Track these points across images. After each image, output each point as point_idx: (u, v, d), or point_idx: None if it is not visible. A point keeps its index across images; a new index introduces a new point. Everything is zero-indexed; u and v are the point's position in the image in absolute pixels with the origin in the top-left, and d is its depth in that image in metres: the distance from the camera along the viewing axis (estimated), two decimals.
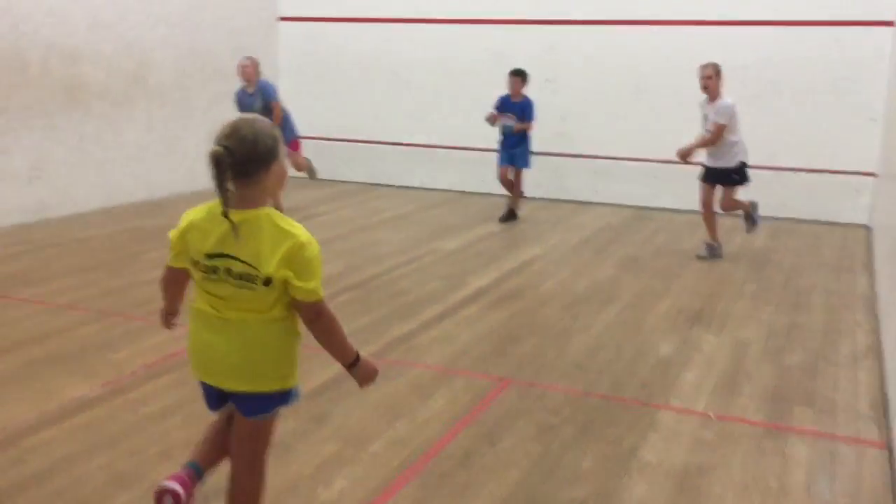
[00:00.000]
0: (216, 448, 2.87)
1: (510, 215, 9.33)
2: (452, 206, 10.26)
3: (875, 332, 5.72)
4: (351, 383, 4.56)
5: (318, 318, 2.61)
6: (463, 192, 11.08)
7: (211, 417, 2.92)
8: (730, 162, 7.48)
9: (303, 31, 11.86)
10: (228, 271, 2.51)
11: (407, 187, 11.39)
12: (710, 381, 4.80)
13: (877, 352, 5.33)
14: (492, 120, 9.06)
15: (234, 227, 2.44)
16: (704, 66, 7.42)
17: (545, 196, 10.71)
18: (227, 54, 10.72)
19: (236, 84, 9.03)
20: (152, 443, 3.84)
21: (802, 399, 4.58)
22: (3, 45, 8.17)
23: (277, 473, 3.59)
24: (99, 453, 3.74)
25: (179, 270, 2.70)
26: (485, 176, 10.63)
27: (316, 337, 2.68)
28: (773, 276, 7.19)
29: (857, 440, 4.10)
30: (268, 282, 2.48)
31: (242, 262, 2.48)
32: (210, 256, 2.52)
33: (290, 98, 9.70)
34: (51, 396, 4.33)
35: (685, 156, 7.55)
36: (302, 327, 2.68)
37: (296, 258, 2.47)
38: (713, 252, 7.74)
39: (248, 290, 2.51)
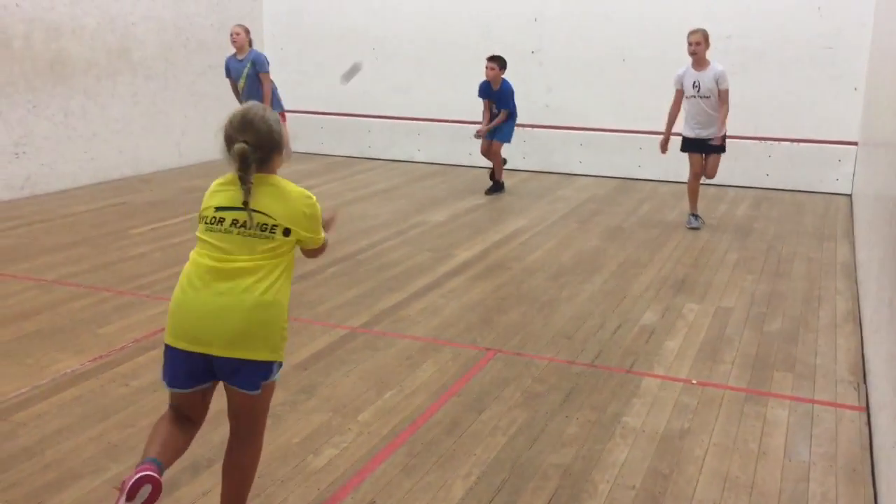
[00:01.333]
0: (169, 448, 2.70)
1: (496, 187, 9.36)
2: (439, 178, 10.29)
3: (854, 298, 5.82)
4: (339, 354, 4.65)
5: (323, 250, 3.00)
6: (449, 165, 11.11)
7: None
8: (722, 129, 7.57)
9: (287, 4, 11.78)
10: (238, 223, 2.68)
11: (393, 160, 11.40)
12: (692, 348, 4.88)
13: (856, 318, 5.43)
14: (481, 135, 9.16)
15: (247, 205, 2.69)
16: (693, 32, 7.47)
17: (531, 168, 10.74)
18: (211, 27, 10.67)
19: (221, 56, 8.99)
20: (143, 415, 3.90)
21: (783, 365, 4.67)
22: None
23: (267, 443, 3.64)
24: (90, 426, 3.79)
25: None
26: (471, 149, 10.65)
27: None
28: (755, 244, 7.28)
29: (835, 404, 4.20)
30: (287, 232, 2.72)
31: (264, 213, 2.69)
32: (219, 209, 2.71)
33: (274, 71, 9.62)
34: (42, 371, 4.38)
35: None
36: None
37: (312, 214, 2.79)
38: (700, 220, 7.86)
39: (264, 240, 2.68)
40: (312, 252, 2.95)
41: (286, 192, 2.76)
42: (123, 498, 2.44)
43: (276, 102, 8.82)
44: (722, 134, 7.58)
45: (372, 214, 8.22)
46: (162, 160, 10.25)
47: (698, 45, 7.43)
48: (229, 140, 2.69)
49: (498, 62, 8.99)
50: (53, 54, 8.83)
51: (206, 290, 2.65)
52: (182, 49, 10.49)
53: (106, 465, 3.46)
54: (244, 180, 2.66)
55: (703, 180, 7.92)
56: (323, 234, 2.89)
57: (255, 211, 2.68)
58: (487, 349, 4.81)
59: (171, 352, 2.71)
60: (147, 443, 2.72)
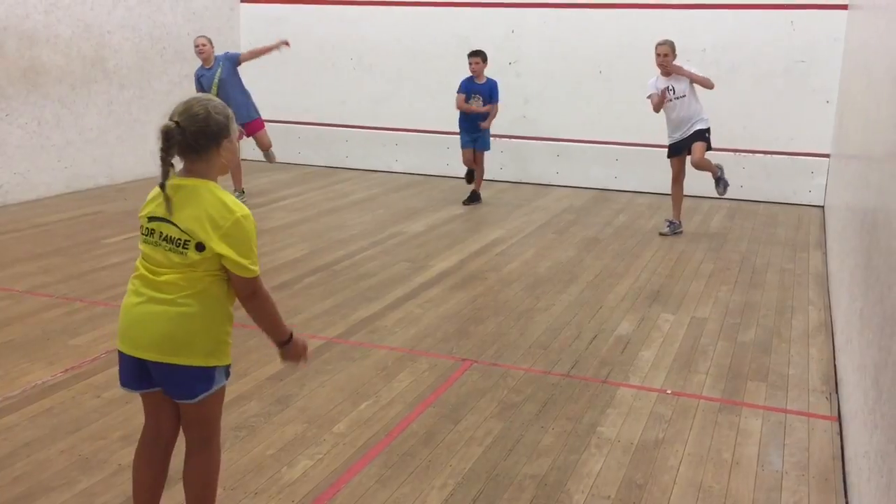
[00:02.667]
0: (155, 490, 2.83)
1: (473, 197, 9.38)
2: (416, 189, 10.29)
3: (827, 308, 5.88)
4: (315, 365, 4.62)
5: (254, 296, 2.66)
6: (427, 175, 11.12)
7: None
8: (704, 122, 7.75)
9: (264, 14, 11.76)
10: (163, 236, 2.58)
11: (371, 170, 11.39)
12: (667, 358, 4.91)
13: (828, 328, 5.49)
14: (465, 107, 9.07)
15: (167, 199, 2.56)
16: (661, 44, 7.62)
17: (508, 178, 10.77)
18: (187, 36, 10.60)
19: (198, 65, 8.96)
20: (115, 427, 3.86)
21: (756, 375, 4.71)
22: None
23: (241, 455, 3.63)
24: (61, 438, 3.74)
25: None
26: (449, 159, 10.68)
27: (250, 314, 2.72)
28: (729, 255, 7.34)
29: (807, 413, 4.23)
30: (200, 247, 2.54)
31: (177, 226, 2.56)
32: (150, 219, 2.62)
33: (252, 81, 9.61)
34: (13, 382, 4.32)
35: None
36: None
37: (235, 233, 2.55)
38: (675, 229, 7.96)
39: (179, 255, 2.56)
40: (243, 287, 2.61)
41: (206, 199, 2.56)
42: None
43: (251, 108, 8.92)
44: (700, 128, 7.72)
45: (349, 224, 8.21)
46: (137, 169, 10.16)
47: (665, 56, 7.61)
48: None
49: (481, 56, 9.03)
50: (27, 62, 8.75)
51: (138, 297, 2.64)
52: (158, 58, 10.43)
53: (77, 478, 3.41)
54: (163, 160, 2.51)
55: (687, 177, 8.05)
56: (253, 266, 2.58)
57: (166, 221, 2.56)
58: (464, 359, 4.81)
59: (119, 353, 2.73)
60: (133, 490, 2.83)
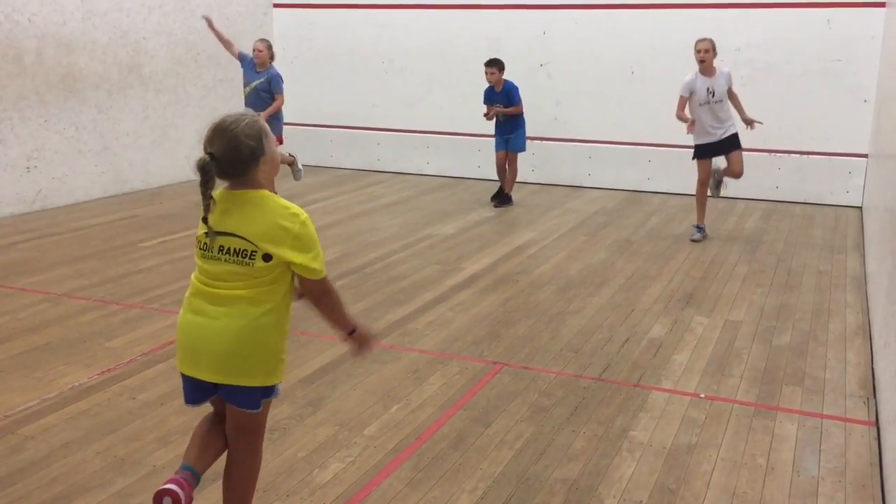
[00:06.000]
0: (208, 451, 2.84)
1: (505, 200, 9.37)
2: (448, 191, 10.30)
3: (864, 312, 5.78)
4: (346, 368, 4.65)
5: (326, 294, 2.72)
6: (458, 178, 11.12)
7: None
8: (735, 127, 7.68)
9: (297, 18, 11.85)
10: (224, 249, 2.57)
11: (403, 173, 11.42)
12: (701, 362, 4.86)
13: (866, 331, 5.39)
14: (490, 114, 9.12)
15: (225, 211, 2.56)
16: (702, 41, 7.53)
17: (539, 181, 10.74)
18: None
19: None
20: (150, 429, 3.91)
21: (792, 379, 4.64)
22: None
23: (273, 457, 3.66)
24: (97, 440, 3.80)
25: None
26: (480, 161, 10.67)
27: (321, 311, 2.77)
28: (765, 257, 7.25)
29: (844, 419, 4.16)
30: (267, 257, 2.54)
31: (240, 237, 2.55)
32: (208, 234, 2.60)
33: (284, 85, 9.69)
34: (50, 384, 4.39)
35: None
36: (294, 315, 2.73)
37: (303, 238, 2.57)
38: (704, 233, 7.87)
39: (243, 266, 2.56)
40: (314, 288, 2.67)
41: (266, 207, 2.57)
42: None
43: (276, 123, 8.87)
44: (734, 131, 7.65)
45: (380, 227, 8.24)
46: (172, 174, 10.29)
47: (707, 52, 7.47)
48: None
49: (497, 65, 9.04)
50: (65, 69, 8.91)
51: (197, 316, 2.65)
52: (192, 63, 10.56)
53: (112, 479, 3.46)
54: (203, 194, 2.52)
55: (725, 186, 7.96)
56: (322, 267, 2.63)
57: (228, 234, 2.56)
58: (494, 363, 4.80)
59: (181, 373, 2.76)
60: (188, 445, 2.82)
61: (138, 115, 9.88)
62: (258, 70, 8.66)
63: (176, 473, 2.70)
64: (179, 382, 4.43)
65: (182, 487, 2.63)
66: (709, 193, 7.95)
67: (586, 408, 4.22)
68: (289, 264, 2.58)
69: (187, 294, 2.72)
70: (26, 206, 8.60)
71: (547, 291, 6.20)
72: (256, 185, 2.61)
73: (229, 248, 2.56)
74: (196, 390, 2.74)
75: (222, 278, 2.60)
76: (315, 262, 2.60)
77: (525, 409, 4.19)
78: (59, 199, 8.94)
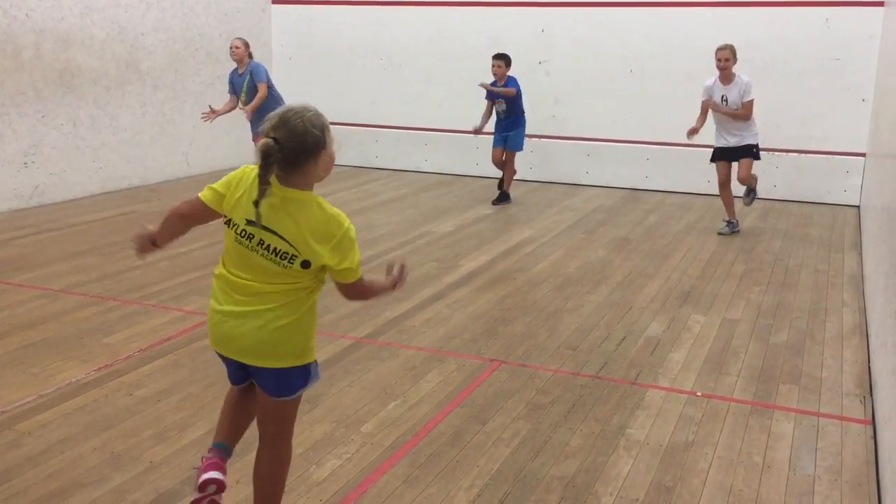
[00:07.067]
0: (237, 424, 2.93)
1: (503, 197, 9.37)
2: (446, 189, 10.30)
3: (862, 311, 5.79)
4: (343, 364, 4.65)
5: (363, 293, 2.83)
6: (456, 175, 11.12)
7: (212, 395, 2.96)
8: (755, 137, 7.72)
9: (296, 15, 11.84)
10: (264, 244, 2.55)
11: (401, 170, 11.42)
12: (698, 360, 4.87)
13: (863, 330, 5.40)
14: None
15: (258, 215, 2.50)
16: (722, 49, 7.59)
17: (537, 178, 10.74)
18: (220, 38, 10.72)
19: (230, 66, 9.03)
20: (147, 425, 3.90)
21: (788, 377, 4.65)
22: None
23: None
24: (94, 436, 3.80)
25: (204, 207, 2.66)
26: (478, 159, 10.67)
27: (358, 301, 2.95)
28: (762, 256, 7.26)
29: (841, 417, 4.17)
30: (306, 264, 2.55)
31: (283, 239, 2.54)
32: (250, 223, 2.55)
33: (283, 82, 9.69)
34: (47, 380, 4.39)
35: (695, 132, 7.76)
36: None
37: (345, 244, 2.59)
38: (733, 227, 7.99)
39: (280, 268, 2.56)
40: (350, 290, 2.72)
41: (312, 212, 2.55)
42: (197, 492, 2.76)
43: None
44: (750, 143, 7.68)
45: (378, 224, 8.24)
46: (170, 170, 10.29)
47: (727, 60, 7.57)
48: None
49: (504, 59, 9.04)
50: (63, 65, 8.89)
51: (226, 305, 2.66)
52: (191, 59, 10.54)
53: (109, 475, 3.46)
54: (262, 179, 2.45)
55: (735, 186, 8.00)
56: (360, 271, 2.65)
57: (272, 232, 2.53)
58: (492, 360, 4.81)
59: (219, 354, 2.82)
60: (219, 420, 2.94)
61: (136, 111, 9.86)
62: (240, 73, 8.67)
63: (211, 453, 2.81)
64: (176, 379, 4.46)
65: (223, 472, 2.78)
66: (744, 203, 8.13)
67: (583, 405, 4.23)
68: (325, 267, 2.61)
69: (215, 279, 2.71)
70: (24, 201, 8.59)
71: (544, 289, 6.20)
72: (308, 182, 2.58)
73: (269, 246, 2.55)
74: (235, 369, 2.80)
75: (256, 272, 2.60)
76: (352, 268, 2.63)
77: (522, 407, 4.19)
78: (56, 194, 8.93)
